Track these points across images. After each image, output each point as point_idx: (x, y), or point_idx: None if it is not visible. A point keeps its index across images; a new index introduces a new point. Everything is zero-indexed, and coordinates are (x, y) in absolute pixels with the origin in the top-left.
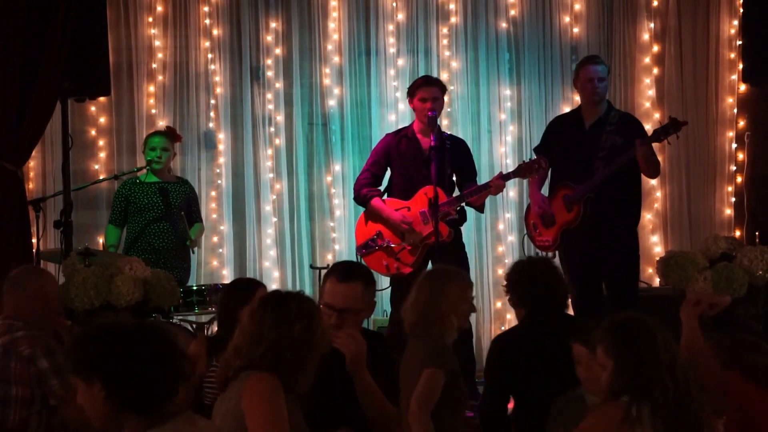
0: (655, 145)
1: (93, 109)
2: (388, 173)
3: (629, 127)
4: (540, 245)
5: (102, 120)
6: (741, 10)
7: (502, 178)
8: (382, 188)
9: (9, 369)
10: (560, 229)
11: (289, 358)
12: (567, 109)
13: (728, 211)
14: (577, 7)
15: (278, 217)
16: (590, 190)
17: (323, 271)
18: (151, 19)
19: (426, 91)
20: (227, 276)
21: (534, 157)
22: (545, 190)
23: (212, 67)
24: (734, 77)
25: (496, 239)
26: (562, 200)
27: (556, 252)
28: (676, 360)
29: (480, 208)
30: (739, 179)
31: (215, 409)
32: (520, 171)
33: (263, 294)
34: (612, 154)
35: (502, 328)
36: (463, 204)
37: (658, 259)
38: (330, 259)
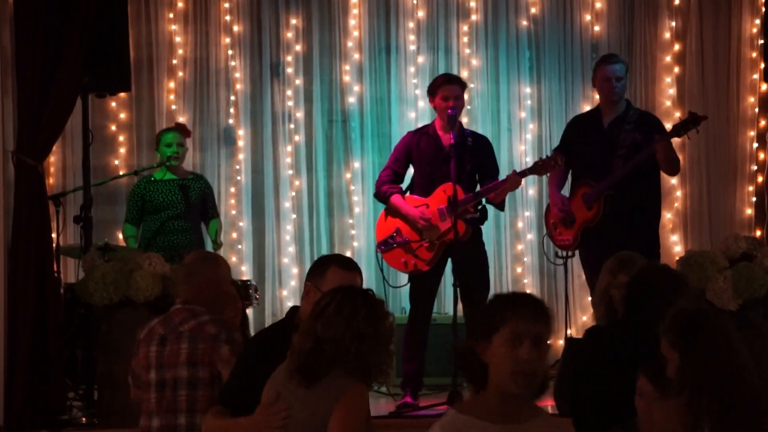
0: (675, 143)
1: (113, 104)
2: (411, 171)
3: (649, 125)
4: (560, 244)
5: (122, 116)
6: (763, 9)
7: (518, 175)
8: (404, 186)
9: (197, 351)
10: (580, 227)
11: (366, 356)
12: (587, 108)
13: (749, 211)
14: (598, 5)
15: (297, 214)
16: (609, 187)
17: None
18: (171, 15)
19: (448, 89)
20: (246, 272)
21: (550, 154)
22: (566, 190)
23: (232, 63)
24: (756, 76)
25: (515, 237)
26: (582, 199)
27: (576, 251)
28: (740, 359)
29: (500, 206)
30: (759, 179)
31: (295, 400)
32: (537, 168)
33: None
34: (632, 152)
35: None
36: (484, 202)
37: (677, 258)
38: (349, 256)
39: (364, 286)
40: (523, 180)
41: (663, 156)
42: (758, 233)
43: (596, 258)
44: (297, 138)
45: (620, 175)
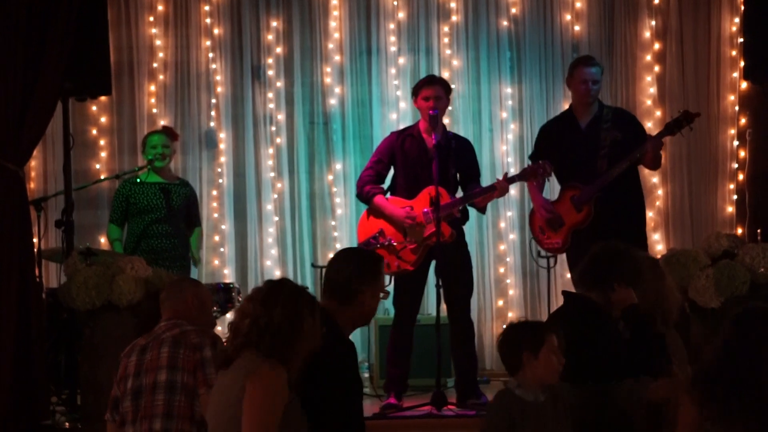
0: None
1: (94, 108)
2: (392, 172)
3: (626, 122)
4: (549, 248)
5: (103, 119)
6: (742, 8)
7: (507, 181)
8: (384, 187)
9: (178, 356)
10: (570, 230)
11: (269, 340)
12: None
13: (730, 209)
14: (578, 5)
15: (280, 216)
16: (600, 189)
17: (325, 270)
18: (152, 19)
19: (429, 90)
20: (229, 275)
21: (539, 161)
22: (551, 194)
23: (213, 66)
24: (735, 75)
25: (498, 237)
26: (570, 201)
27: (565, 253)
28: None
29: (482, 210)
30: (740, 177)
31: (217, 383)
32: (525, 174)
33: None
34: (614, 150)
35: (504, 326)
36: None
37: (660, 257)
38: (331, 257)
39: None
40: None
41: (652, 155)
42: (740, 231)
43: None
44: (279, 140)
45: (611, 176)
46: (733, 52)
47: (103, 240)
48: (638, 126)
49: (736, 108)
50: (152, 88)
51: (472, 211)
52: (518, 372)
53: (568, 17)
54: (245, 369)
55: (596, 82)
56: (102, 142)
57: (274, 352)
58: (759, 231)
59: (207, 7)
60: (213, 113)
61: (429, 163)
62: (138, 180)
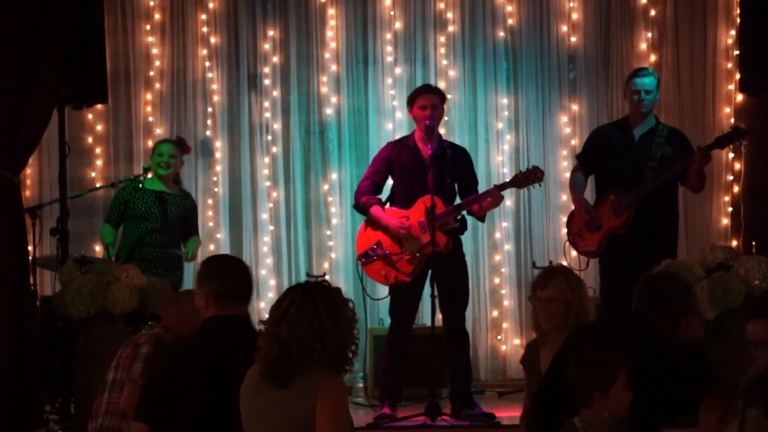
0: None
1: (90, 116)
2: (390, 182)
3: (680, 140)
4: (584, 251)
5: (99, 127)
6: (738, 20)
7: (497, 189)
8: (383, 198)
9: (121, 355)
10: (606, 234)
11: (341, 348)
12: (564, 119)
13: (725, 221)
14: (575, 16)
15: (275, 225)
16: (642, 196)
17: (319, 279)
18: (148, 27)
19: (425, 99)
20: None
21: (530, 167)
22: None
23: (209, 74)
24: (731, 87)
25: (493, 248)
26: (611, 206)
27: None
28: None
29: (482, 218)
30: (735, 189)
31: (266, 399)
32: (517, 181)
33: None
34: (663, 165)
35: (499, 337)
36: (464, 213)
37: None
38: (326, 267)
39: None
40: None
41: (698, 168)
42: (734, 243)
43: (618, 266)
44: (274, 149)
45: (656, 183)
46: (729, 65)
47: (98, 248)
48: (691, 148)
49: (732, 120)
50: (148, 96)
51: (470, 221)
52: (586, 409)
53: (565, 28)
54: (310, 388)
55: (649, 92)
56: (98, 150)
57: (334, 361)
58: (754, 243)
59: (204, 16)
60: (209, 122)
61: (425, 172)
62: (140, 185)
